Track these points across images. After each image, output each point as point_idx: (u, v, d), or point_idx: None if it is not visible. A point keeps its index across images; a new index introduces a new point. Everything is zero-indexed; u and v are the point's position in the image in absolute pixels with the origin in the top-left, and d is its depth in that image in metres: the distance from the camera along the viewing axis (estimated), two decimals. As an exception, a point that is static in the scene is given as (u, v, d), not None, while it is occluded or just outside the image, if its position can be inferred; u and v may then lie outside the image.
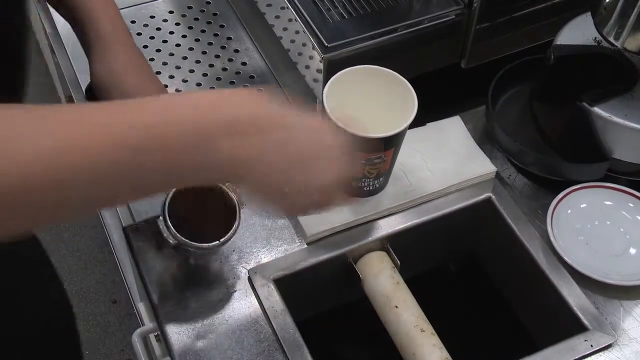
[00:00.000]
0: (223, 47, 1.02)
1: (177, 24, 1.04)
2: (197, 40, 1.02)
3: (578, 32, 0.83)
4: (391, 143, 0.73)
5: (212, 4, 1.06)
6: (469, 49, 0.89)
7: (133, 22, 1.03)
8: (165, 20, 1.04)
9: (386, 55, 0.85)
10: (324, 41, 0.83)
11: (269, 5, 0.96)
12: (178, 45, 1.01)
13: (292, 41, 0.92)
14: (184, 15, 1.05)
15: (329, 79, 0.77)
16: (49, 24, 1.07)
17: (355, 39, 0.84)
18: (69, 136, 0.43)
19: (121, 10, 1.03)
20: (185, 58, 1.00)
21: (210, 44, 1.02)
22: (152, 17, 1.04)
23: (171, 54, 1.00)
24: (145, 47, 1.00)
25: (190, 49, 1.01)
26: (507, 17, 0.89)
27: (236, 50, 1.01)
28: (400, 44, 0.86)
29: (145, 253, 0.76)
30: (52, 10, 1.06)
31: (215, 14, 1.05)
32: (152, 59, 0.99)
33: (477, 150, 0.83)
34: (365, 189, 0.78)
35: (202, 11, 1.06)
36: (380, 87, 0.76)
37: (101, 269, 1.72)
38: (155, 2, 1.06)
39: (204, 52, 1.01)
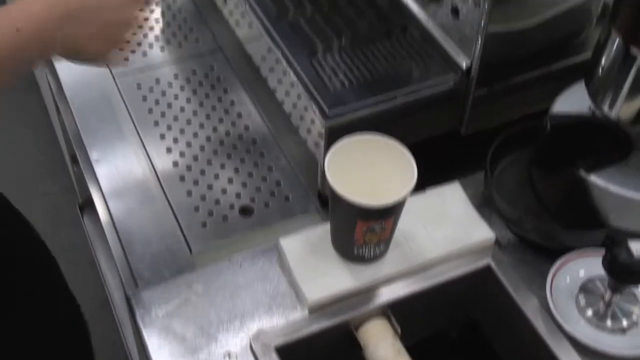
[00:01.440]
0: (226, 111, 1.04)
1: (182, 88, 1.06)
2: (201, 104, 1.04)
3: (573, 100, 0.84)
4: (391, 212, 0.75)
5: (216, 69, 1.09)
6: (467, 115, 0.91)
7: (139, 86, 1.06)
8: (170, 85, 1.06)
9: (386, 121, 0.87)
10: (325, 108, 0.85)
11: (271, 70, 0.98)
12: (182, 109, 1.03)
13: (294, 105, 0.94)
14: (188, 80, 1.07)
15: (330, 144, 0.79)
16: (55, 81, 1.10)
17: (355, 105, 0.85)
18: None
19: (126, 75, 1.07)
20: (189, 122, 1.02)
21: (213, 108, 1.04)
22: (157, 81, 1.06)
23: (175, 118, 1.02)
24: (150, 111, 1.03)
25: (194, 113, 1.03)
26: (504, 83, 0.91)
27: (239, 115, 1.03)
28: (399, 110, 0.88)
29: (147, 320, 0.77)
30: (58, 67, 1.09)
31: (218, 79, 1.08)
32: (156, 123, 1.01)
33: (476, 217, 0.84)
34: (366, 255, 0.79)
35: (206, 76, 1.08)
36: (381, 156, 0.78)
37: (101, 329, 1.71)
38: (161, 67, 1.08)
39: (207, 116, 1.03)
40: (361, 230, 0.76)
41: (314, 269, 0.80)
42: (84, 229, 1.50)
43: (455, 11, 0.90)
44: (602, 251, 0.72)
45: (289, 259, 0.80)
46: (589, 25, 0.93)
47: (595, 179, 0.77)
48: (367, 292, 0.79)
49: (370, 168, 0.79)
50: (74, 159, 1.25)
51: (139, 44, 1.11)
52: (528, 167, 0.86)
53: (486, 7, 0.81)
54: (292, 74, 0.90)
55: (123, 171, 0.96)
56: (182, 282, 0.80)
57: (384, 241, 0.79)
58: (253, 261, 0.83)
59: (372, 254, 0.79)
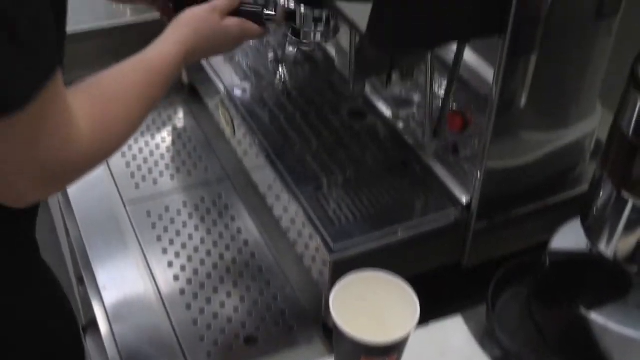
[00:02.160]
0: (233, 239, 1.06)
1: (190, 215, 1.09)
2: (208, 232, 1.07)
3: (571, 236, 0.87)
4: (395, 348, 0.76)
5: (224, 197, 1.12)
6: (468, 248, 0.94)
7: (148, 213, 1.09)
8: (179, 213, 1.09)
9: (388, 254, 0.90)
10: (330, 243, 0.88)
11: (277, 198, 1.01)
12: (190, 237, 1.06)
13: (299, 234, 0.96)
14: (197, 208, 1.10)
15: (335, 276, 0.81)
16: (65, 200, 1.13)
17: (359, 240, 0.88)
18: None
19: (136, 202, 1.10)
20: (196, 250, 1.04)
21: (220, 235, 1.07)
22: (166, 209, 1.10)
23: (183, 246, 1.05)
24: (159, 238, 1.05)
25: (202, 240, 1.06)
26: (504, 216, 0.94)
27: (245, 242, 1.06)
28: (402, 244, 0.90)
29: None
30: (69, 191, 1.12)
31: (226, 206, 1.11)
32: (165, 251, 1.04)
33: (478, 351, 0.85)
34: (369, 391, 0.79)
35: (214, 204, 1.11)
36: (384, 292, 0.80)
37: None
38: (170, 194, 1.12)
39: (214, 244, 1.05)
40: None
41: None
42: (86, 351, 1.49)
43: (454, 148, 0.94)
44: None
45: (294, 394, 0.80)
46: (583, 161, 0.97)
47: (595, 317, 0.79)
48: None
49: (373, 304, 0.80)
50: (81, 281, 1.27)
51: (150, 172, 1.15)
52: (529, 302, 0.88)
53: (485, 145, 0.85)
54: (297, 205, 0.93)
55: (129, 297, 0.98)
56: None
57: (388, 376, 0.79)
58: (257, 394, 0.83)
59: (375, 389, 0.80)
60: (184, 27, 0.85)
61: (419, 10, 0.70)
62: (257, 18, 0.88)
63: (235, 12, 0.88)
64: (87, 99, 0.71)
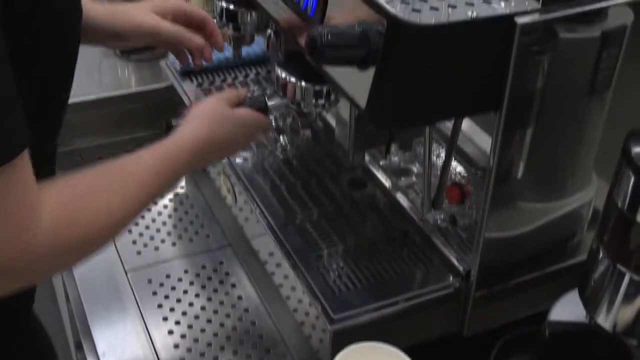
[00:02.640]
0: (233, 306, 1.07)
1: (191, 283, 1.09)
2: (209, 299, 1.07)
3: (571, 306, 0.87)
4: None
5: (225, 264, 1.13)
6: (468, 317, 0.94)
7: (149, 280, 1.09)
8: (180, 280, 1.10)
9: (389, 324, 0.90)
10: (330, 313, 0.88)
11: (278, 265, 1.02)
12: (191, 304, 1.06)
13: (299, 301, 0.97)
14: (198, 275, 1.11)
15: (335, 346, 0.82)
16: (67, 271, 1.13)
17: (359, 310, 0.89)
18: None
19: (138, 269, 1.11)
20: (197, 317, 1.04)
21: (221, 302, 1.07)
22: (167, 276, 1.10)
23: (184, 313, 1.05)
24: (160, 306, 1.05)
25: (203, 307, 1.06)
26: (503, 285, 0.95)
27: (246, 310, 1.06)
28: (402, 314, 0.91)
29: None
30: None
31: (227, 273, 1.12)
32: (165, 318, 1.04)
33: None
34: None
35: (215, 270, 1.12)
36: (384, 364, 0.80)
37: None
38: (172, 261, 1.13)
39: (215, 311, 1.05)
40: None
41: None
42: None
43: (453, 219, 0.96)
44: None
45: None
46: (580, 230, 0.98)
47: (596, 391, 0.79)
48: None
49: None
50: (79, 347, 1.26)
51: (152, 239, 1.16)
52: (529, 373, 0.88)
53: (483, 215, 0.86)
54: (297, 274, 0.94)
55: (129, 366, 0.98)
56: None
57: None
58: None
59: None
60: (197, 119, 0.85)
61: (416, 89, 0.72)
62: (264, 109, 0.92)
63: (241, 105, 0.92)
64: (62, 187, 0.65)
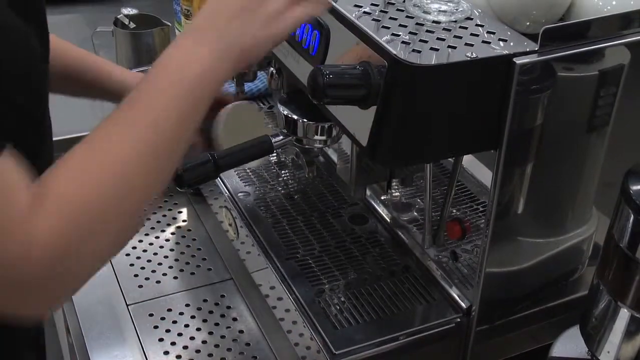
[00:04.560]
0: (235, 340, 1.06)
1: (193, 317, 1.09)
2: (210, 333, 1.07)
3: (572, 343, 0.87)
4: None
5: (227, 297, 1.13)
6: (469, 352, 0.94)
7: (150, 314, 1.09)
8: (181, 313, 1.10)
9: (390, 359, 0.90)
10: (332, 348, 0.88)
11: (279, 299, 1.02)
12: (192, 338, 1.06)
13: (300, 335, 0.97)
14: (199, 309, 1.11)
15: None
16: (67, 301, 1.13)
17: (361, 346, 0.89)
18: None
19: (139, 303, 1.11)
20: (198, 351, 1.04)
21: (222, 336, 1.07)
22: (169, 310, 1.10)
23: (185, 347, 1.05)
24: (161, 340, 1.05)
25: (204, 341, 1.06)
26: (504, 320, 0.95)
27: (247, 344, 1.06)
28: (403, 349, 0.91)
29: None
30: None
31: (229, 307, 1.12)
32: (166, 352, 1.04)
33: None
34: None
35: (217, 304, 1.12)
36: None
37: None
38: (173, 295, 1.13)
39: (216, 345, 1.05)
40: None
41: None
42: None
43: (454, 255, 0.96)
44: None
45: None
46: (581, 266, 0.98)
47: None
48: None
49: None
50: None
51: (153, 272, 1.16)
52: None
53: (484, 250, 0.87)
54: (299, 309, 0.94)
55: (131, 401, 0.98)
56: None
57: None
58: None
59: None
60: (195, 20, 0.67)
61: (417, 128, 0.73)
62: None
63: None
64: (60, 170, 0.56)
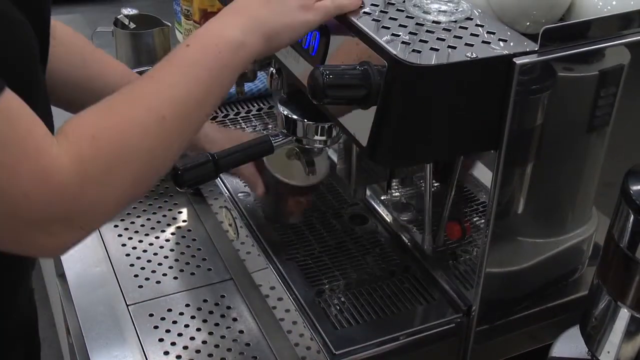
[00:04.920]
0: (235, 340, 1.06)
1: (193, 317, 1.09)
2: (210, 333, 1.07)
3: (572, 343, 0.87)
4: None
5: (227, 297, 1.13)
6: (470, 352, 0.94)
7: (150, 315, 1.09)
8: (181, 314, 1.10)
9: (390, 359, 0.90)
10: (331, 347, 0.88)
11: (279, 299, 1.02)
12: (192, 338, 1.06)
13: (300, 335, 0.97)
14: (199, 309, 1.11)
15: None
16: (67, 298, 1.13)
17: (361, 346, 0.89)
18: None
19: (139, 303, 1.11)
20: (198, 351, 1.04)
21: (222, 337, 1.07)
22: (169, 310, 1.10)
23: (185, 347, 1.05)
24: (161, 340, 1.05)
25: (204, 342, 1.06)
26: (505, 320, 0.95)
27: (247, 344, 1.06)
28: (403, 349, 0.91)
29: None
30: (72, 290, 1.13)
31: (229, 307, 1.12)
32: (166, 353, 1.04)
33: None
34: None
35: (217, 304, 1.12)
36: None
37: None
38: (173, 295, 1.13)
39: (216, 346, 1.05)
40: None
41: None
42: None
43: (454, 255, 0.96)
44: None
45: None
46: (581, 266, 0.98)
47: None
48: None
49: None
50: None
51: (153, 272, 1.16)
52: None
53: (484, 251, 0.87)
54: (298, 309, 0.94)
55: (131, 401, 0.98)
56: None
57: None
58: None
59: None
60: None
61: (417, 128, 0.73)
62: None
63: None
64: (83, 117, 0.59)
